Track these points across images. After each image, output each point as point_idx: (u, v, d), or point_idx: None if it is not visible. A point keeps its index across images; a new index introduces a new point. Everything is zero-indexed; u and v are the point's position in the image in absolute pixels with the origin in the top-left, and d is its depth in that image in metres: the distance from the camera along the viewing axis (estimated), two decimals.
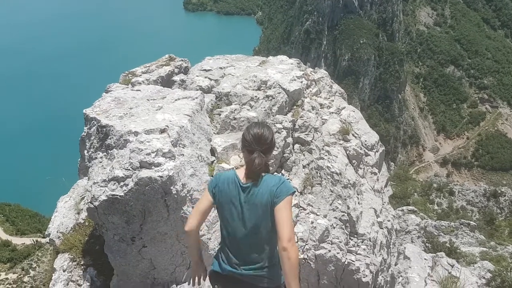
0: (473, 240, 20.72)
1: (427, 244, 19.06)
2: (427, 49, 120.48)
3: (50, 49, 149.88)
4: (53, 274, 6.36)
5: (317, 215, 6.13)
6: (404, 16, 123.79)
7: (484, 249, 18.75)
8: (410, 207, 24.06)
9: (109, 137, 5.54)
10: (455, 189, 35.99)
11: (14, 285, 49.24)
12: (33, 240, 56.25)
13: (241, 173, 3.73)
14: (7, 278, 50.51)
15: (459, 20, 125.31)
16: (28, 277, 50.71)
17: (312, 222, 5.98)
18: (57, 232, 6.77)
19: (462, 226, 21.76)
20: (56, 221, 6.93)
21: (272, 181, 3.59)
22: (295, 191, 3.68)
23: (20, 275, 50.48)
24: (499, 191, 34.31)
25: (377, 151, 8.22)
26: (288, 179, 6.54)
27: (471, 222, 22.53)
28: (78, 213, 6.90)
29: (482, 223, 27.47)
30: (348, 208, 6.42)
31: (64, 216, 6.95)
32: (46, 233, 6.99)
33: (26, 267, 51.40)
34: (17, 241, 57.78)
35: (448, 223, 21.81)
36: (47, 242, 6.91)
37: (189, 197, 5.36)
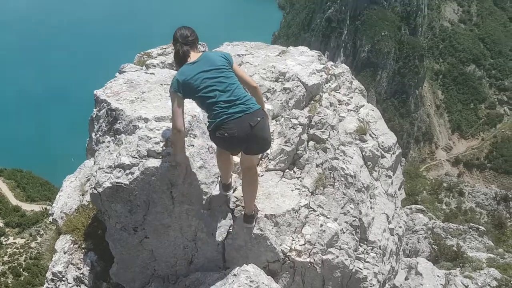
0: (481, 245, 20.36)
1: (433, 246, 18.78)
2: (449, 46, 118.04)
3: (71, 19, 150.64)
4: (53, 255, 6.26)
5: (327, 217, 5.88)
6: (429, 11, 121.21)
7: (492, 255, 18.40)
8: (419, 206, 23.71)
9: (118, 121, 5.35)
10: (465, 190, 35.40)
11: (22, 250, 50.19)
12: (42, 207, 57.18)
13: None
14: (15, 242, 51.51)
15: (485, 18, 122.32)
16: (35, 243, 51.59)
17: (321, 225, 5.75)
18: (60, 212, 6.66)
19: (470, 230, 21.38)
20: (60, 200, 6.82)
21: (217, 52, 4.76)
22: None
23: (27, 240, 51.41)
24: (510, 196, 33.66)
25: (393, 153, 7.94)
26: (299, 177, 6.32)
27: (480, 227, 22.11)
28: (83, 195, 6.77)
29: (490, 226, 27.05)
30: (360, 213, 6.17)
31: (69, 196, 6.83)
32: (49, 211, 6.88)
33: (34, 233, 52.30)
34: (26, 207, 58.77)
35: (456, 226, 21.42)
36: (50, 222, 6.81)
37: None
